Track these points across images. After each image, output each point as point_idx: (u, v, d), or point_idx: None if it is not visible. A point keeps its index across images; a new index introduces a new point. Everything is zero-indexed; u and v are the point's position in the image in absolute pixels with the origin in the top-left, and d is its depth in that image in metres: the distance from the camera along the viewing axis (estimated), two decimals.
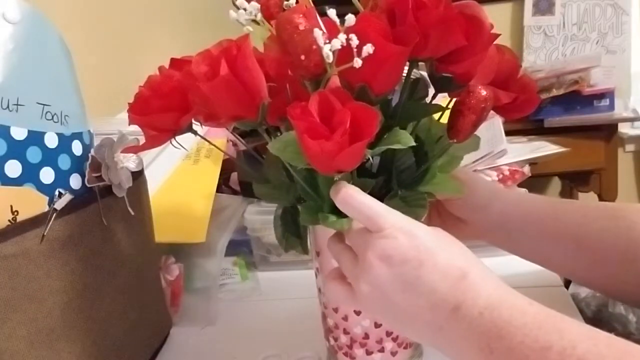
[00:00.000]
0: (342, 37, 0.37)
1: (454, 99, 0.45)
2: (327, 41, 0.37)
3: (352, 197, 0.41)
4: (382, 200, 0.42)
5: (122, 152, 0.52)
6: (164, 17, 1.57)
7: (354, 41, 0.36)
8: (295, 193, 0.48)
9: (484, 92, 0.43)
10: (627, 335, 0.56)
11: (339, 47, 0.37)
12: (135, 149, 0.49)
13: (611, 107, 2.00)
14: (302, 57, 0.38)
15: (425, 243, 0.40)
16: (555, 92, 1.96)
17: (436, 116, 0.48)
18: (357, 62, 0.37)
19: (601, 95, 1.99)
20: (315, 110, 0.38)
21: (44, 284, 0.44)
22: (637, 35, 2.29)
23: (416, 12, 0.40)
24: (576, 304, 0.59)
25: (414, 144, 0.41)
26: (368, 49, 0.36)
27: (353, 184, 0.42)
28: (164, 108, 0.45)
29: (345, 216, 0.42)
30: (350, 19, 0.37)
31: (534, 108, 0.48)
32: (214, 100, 0.42)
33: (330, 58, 0.37)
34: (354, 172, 0.43)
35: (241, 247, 0.82)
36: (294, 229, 0.49)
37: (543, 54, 2.34)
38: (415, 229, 0.41)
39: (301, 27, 0.38)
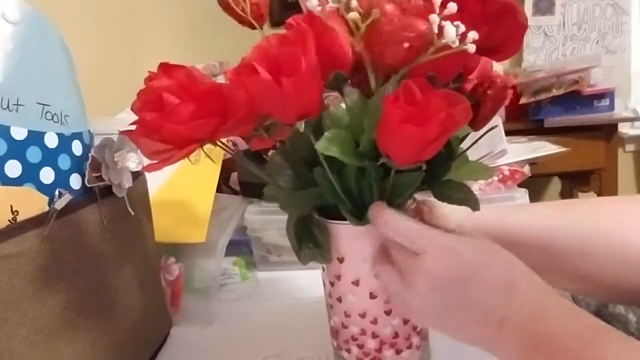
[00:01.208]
0: (448, 23, 0.36)
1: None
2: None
3: (391, 221, 0.42)
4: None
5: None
6: (164, 17, 1.57)
7: (461, 27, 0.36)
8: (315, 198, 0.46)
9: (503, 81, 0.43)
10: (627, 334, 0.56)
11: (458, 33, 0.36)
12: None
13: (611, 107, 2.00)
14: (406, 45, 0.38)
15: (469, 259, 0.41)
16: (555, 92, 1.96)
17: None
18: (472, 48, 0.36)
19: (601, 95, 2.00)
20: (403, 100, 0.37)
21: (44, 284, 0.44)
22: (637, 35, 2.29)
23: (482, 1, 0.40)
24: (576, 304, 0.58)
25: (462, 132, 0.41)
26: (474, 35, 0.36)
27: (402, 179, 0.42)
28: (202, 114, 0.39)
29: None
30: (452, 6, 0.37)
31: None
32: (291, 98, 0.39)
33: (456, 42, 0.36)
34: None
35: (241, 247, 0.82)
36: (310, 238, 0.48)
37: (543, 54, 2.34)
38: (457, 245, 0.41)
39: (398, 15, 0.38)
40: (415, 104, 0.37)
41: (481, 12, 0.40)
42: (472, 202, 0.45)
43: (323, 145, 0.39)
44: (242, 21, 0.43)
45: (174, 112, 0.39)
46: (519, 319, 0.39)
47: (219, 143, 0.44)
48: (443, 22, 0.36)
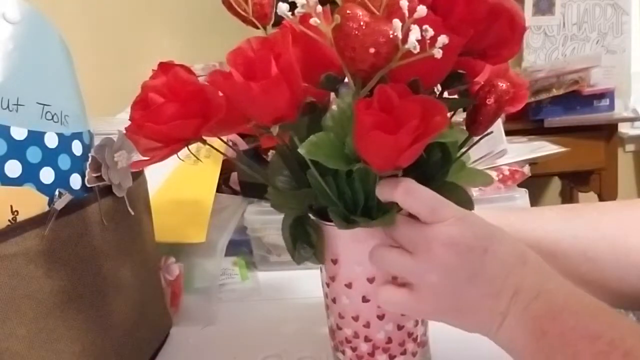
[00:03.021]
0: (415, 28, 0.35)
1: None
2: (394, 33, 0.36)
3: (414, 189, 0.41)
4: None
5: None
6: (163, 17, 1.57)
7: (429, 32, 0.35)
8: (308, 199, 0.46)
9: (504, 86, 0.43)
10: None
11: (419, 37, 0.35)
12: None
13: (611, 107, 2.00)
14: (372, 50, 0.37)
15: (485, 231, 0.42)
16: (555, 92, 1.96)
17: None
18: (438, 53, 0.36)
19: (601, 95, 2.00)
20: (377, 105, 0.37)
21: (44, 284, 0.44)
22: (637, 35, 2.29)
23: (468, 4, 0.40)
24: None
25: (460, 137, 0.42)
26: (443, 39, 0.36)
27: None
28: (183, 115, 0.40)
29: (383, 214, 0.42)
30: (422, 10, 0.36)
31: (523, 104, 0.48)
32: (260, 102, 0.39)
33: (417, 48, 0.36)
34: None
35: (241, 247, 0.82)
36: (305, 238, 0.48)
37: (543, 54, 2.34)
38: (475, 217, 0.42)
39: (366, 20, 0.37)
40: (389, 111, 0.37)
41: (467, 15, 0.40)
42: (467, 203, 0.45)
43: (307, 149, 0.39)
44: (245, 21, 0.43)
45: (156, 111, 0.40)
46: (532, 291, 0.40)
47: (214, 143, 0.45)
48: (412, 27, 0.36)
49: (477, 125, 0.44)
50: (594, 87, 1.99)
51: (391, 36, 0.37)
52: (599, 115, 2.00)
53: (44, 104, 0.46)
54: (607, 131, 2.04)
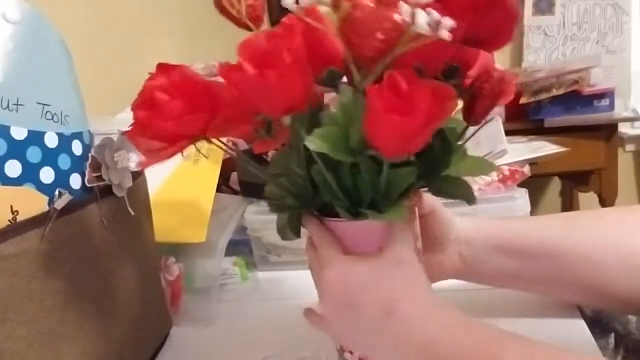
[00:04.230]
0: (421, 11, 0.35)
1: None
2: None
3: (311, 223, 0.44)
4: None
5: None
6: (163, 17, 1.57)
7: (434, 14, 0.35)
8: (320, 198, 0.46)
9: (501, 74, 0.43)
10: (627, 334, 0.57)
11: (428, 20, 0.35)
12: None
13: (611, 107, 2.00)
14: (379, 36, 0.37)
15: (356, 282, 0.42)
16: (555, 92, 1.96)
17: None
18: (446, 35, 0.35)
19: (601, 95, 2.00)
20: (387, 90, 0.37)
21: (44, 284, 0.44)
22: (637, 35, 2.29)
23: None
24: (577, 304, 0.58)
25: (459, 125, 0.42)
26: (449, 22, 0.35)
27: (396, 174, 0.42)
28: (191, 110, 0.40)
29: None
30: None
31: (511, 96, 0.46)
32: (275, 91, 0.39)
33: (428, 32, 0.35)
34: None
35: (241, 247, 0.82)
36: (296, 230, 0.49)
37: (543, 53, 2.34)
38: (350, 265, 0.42)
39: (372, 6, 0.37)
40: (400, 95, 0.37)
41: (468, 2, 0.39)
42: (469, 197, 0.45)
43: (314, 142, 0.39)
44: (238, 23, 0.43)
45: (163, 108, 0.41)
46: (412, 344, 0.39)
47: (214, 141, 0.45)
48: (418, 10, 0.35)
49: (474, 115, 0.44)
50: (594, 87, 1.99)
51: (398, 20, 0.37)
52: (599, 115, 2.00)
53: (44, 104, 0.46)
54: (607, 131, 2.04)
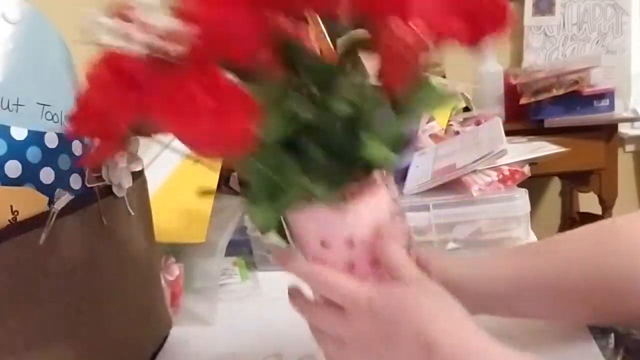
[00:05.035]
0: None
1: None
2: None
3: (312, 268, 0.44)
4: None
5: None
6: None
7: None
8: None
9: (404, 31, 0.33)
10: (627, 334, 0.56)
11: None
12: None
13: (611, 107, 2.01)
14: None
15: (383, 319, 0.40)
16: (555, 92, 1.97)
17: None
18: None
19: (601, 96, 2.00)
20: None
21: (44, 284, 0.44)
22: (637, 35, 2.29)
23: None
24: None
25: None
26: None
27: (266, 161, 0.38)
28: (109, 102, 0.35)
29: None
30: None
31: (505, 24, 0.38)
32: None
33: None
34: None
35: (241, 247, 0.82)
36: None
37: (543, 54, 2.34)
38: (376, 303, 0.41)
39: None
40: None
41: None
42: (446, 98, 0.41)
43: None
44: None
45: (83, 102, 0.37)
46: None
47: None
48: None
49: (386, 80, 0.36)
50: (594, 87, 1.99)
51: None
52: (599, 116, 2.00)
53: (44, 104, 0.46)
54: (607, 131, 2.04)
